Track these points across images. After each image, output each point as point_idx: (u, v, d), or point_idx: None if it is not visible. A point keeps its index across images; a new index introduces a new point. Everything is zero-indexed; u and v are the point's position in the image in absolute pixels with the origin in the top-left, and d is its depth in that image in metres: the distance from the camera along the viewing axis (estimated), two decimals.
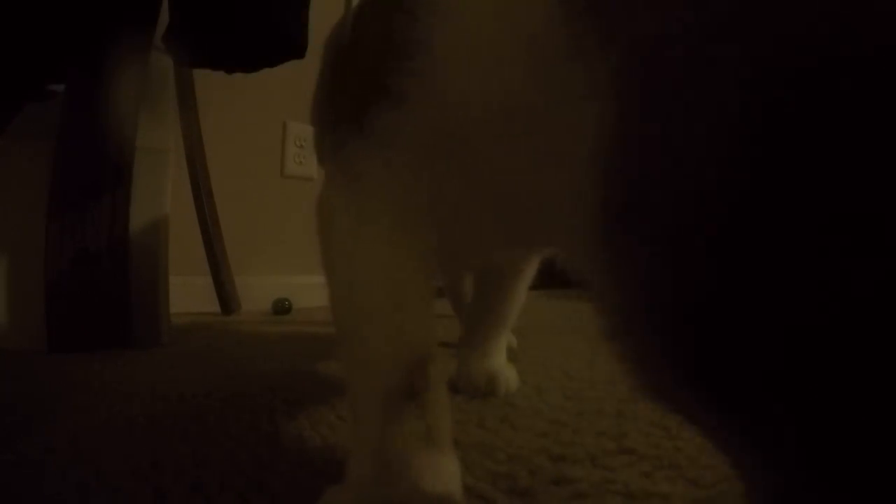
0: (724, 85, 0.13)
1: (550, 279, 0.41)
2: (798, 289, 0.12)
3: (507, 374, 0.54)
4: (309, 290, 1.53)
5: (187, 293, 1.24)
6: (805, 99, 0.11)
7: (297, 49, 0.84)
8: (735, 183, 0.12)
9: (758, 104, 0.12)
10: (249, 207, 1.45)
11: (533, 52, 0.21)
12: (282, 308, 1.33)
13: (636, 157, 0.15)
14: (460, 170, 0.27)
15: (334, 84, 0.35)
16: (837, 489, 0.12)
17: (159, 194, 0.84)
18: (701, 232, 0.13)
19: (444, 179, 0.28)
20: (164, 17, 0.83)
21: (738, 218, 0.12)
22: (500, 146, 0.24)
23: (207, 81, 1.17)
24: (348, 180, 0.30)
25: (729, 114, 0.13)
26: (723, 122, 0.13)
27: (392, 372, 0.27)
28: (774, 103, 0.12)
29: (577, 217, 0.18)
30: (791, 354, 0.12)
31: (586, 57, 0.18)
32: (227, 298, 1.26)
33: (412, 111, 0.27)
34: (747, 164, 0.12)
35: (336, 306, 0.31)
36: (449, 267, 0.42)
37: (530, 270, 0.54)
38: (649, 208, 0.14)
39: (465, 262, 0.43)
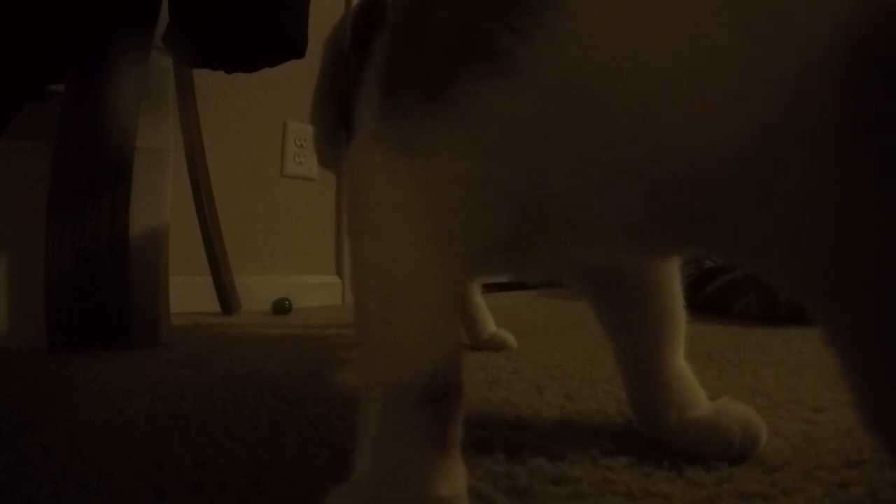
0: None
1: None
2: None
3: None
4: (309, 290, 1.53)
5: (187, 293, 1.24)
6: None
7: (297, 49, 0.84)
8: None
9: None
10: (249, 207, 1.46)
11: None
12: (282, 308, 1.33)
13: None
14: (586, 149, 0.23)
15: (401, 44, 0.30)
16: None
17: (159, 194, 0.84)
18: None
19: (556, 160, 0.24)
20: (164, 17, 0.83)
21: None
22: (658, 119, 0.20)
23: (207, 81, 1.17)
24: (410, 156, 0.26)
25: None
26: None
27: (415, 370, 0.25)
28: None
29: (784, 211, 0.17)
30: None
31: None
32: (227, 298, 1.27)
33: (525, 81, 0.23)
34: None
35: (363, 291, 0.28)
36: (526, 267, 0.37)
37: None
38: None
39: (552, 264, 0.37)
